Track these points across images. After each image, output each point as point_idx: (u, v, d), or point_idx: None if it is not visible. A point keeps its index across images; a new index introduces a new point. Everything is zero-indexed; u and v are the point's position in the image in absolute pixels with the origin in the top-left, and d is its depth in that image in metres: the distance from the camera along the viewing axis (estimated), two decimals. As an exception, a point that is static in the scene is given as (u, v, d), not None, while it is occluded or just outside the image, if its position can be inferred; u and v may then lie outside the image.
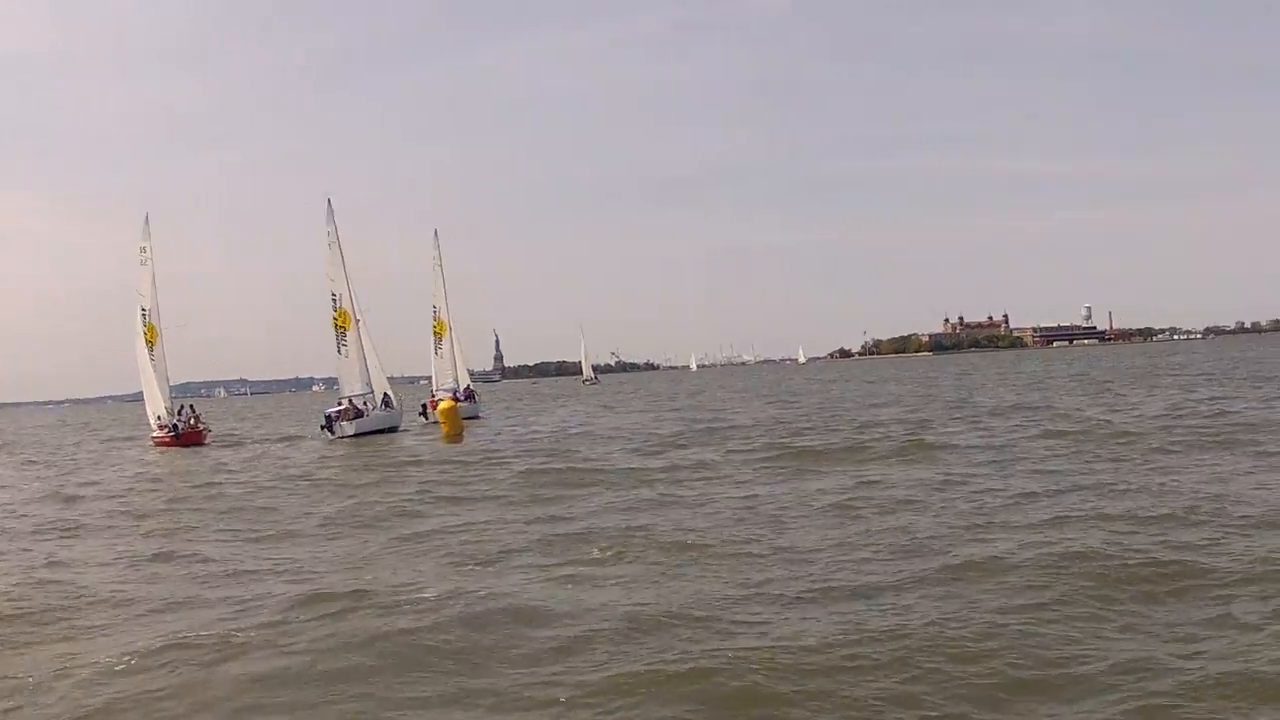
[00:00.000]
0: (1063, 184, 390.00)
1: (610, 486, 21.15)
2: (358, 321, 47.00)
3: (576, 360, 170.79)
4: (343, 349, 46.99)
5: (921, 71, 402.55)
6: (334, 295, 47.16)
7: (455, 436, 39.15)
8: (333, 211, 47.33)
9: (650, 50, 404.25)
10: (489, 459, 29.87)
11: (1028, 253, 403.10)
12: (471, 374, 64.05)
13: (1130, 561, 11.33)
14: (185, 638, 10.22)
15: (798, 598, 10.73)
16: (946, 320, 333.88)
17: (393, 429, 46.37)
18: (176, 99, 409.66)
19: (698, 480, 21.59)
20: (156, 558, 15.54)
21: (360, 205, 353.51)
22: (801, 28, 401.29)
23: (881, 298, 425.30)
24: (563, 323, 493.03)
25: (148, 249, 48.04)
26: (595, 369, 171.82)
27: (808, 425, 36.13)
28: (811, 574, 11.79)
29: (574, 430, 42.56)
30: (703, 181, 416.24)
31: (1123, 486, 16.84)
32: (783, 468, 23.09)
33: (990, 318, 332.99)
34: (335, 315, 47.07)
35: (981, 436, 28.16)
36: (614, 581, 11.97)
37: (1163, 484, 16.99)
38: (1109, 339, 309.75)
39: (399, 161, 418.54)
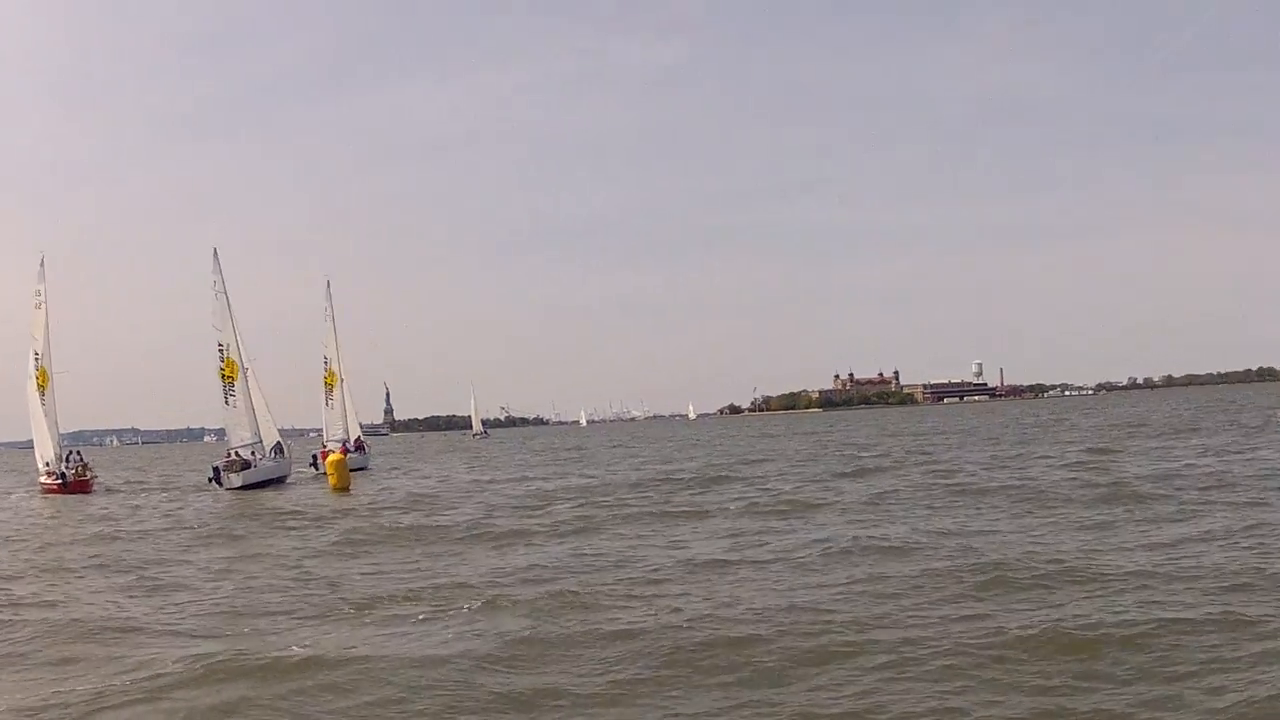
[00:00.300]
0: (958, 234, 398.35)
1: (473, 542, 21.50)
2: (245, 371, 46.75)
3: (466, 414, 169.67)
4: (230, 399, 46.61)
5: (817, 121, 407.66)
6: (221, 345, 46.79)
7: (342, 488, 39.77)
8: (219, 261, 47.14)
9: (545, 97, 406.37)
10: (373, 510, 30.27)
11: (918, 308, 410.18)
12: (361, 426, 63.98)
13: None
14: (60, 693, 10.22)
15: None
16: (837, 377, 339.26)
17: (282, 479, 46.15)
18: (60, 142, 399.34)
19: (569, 533, 22.19)
20: (31, 605, 15.50)
21: (252, 251, 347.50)
22: (698, 79, 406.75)
23: (773, 354, 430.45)
24: (454, 376, 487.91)
25: (42, 292, 47.27)
26: (485, 423, 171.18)
27: (684, 479, 37.06)
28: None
29: (454, 483, 42.97)
30: (594, 232, 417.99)
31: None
32: (651, 524, 23.43)
33: (881, 374, 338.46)
34: (222, 365, 46.66)
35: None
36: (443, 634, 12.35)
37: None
38: (1000, 395, 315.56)
39: (290, 208, 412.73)
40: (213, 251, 47.30)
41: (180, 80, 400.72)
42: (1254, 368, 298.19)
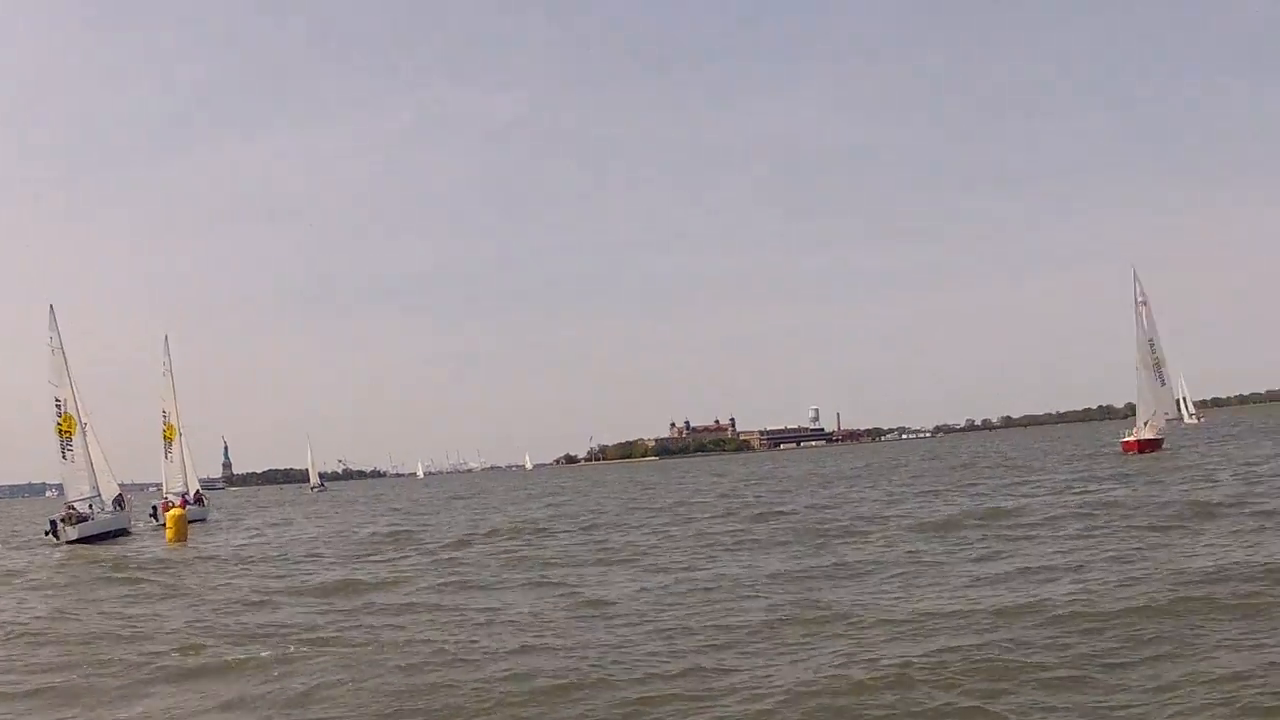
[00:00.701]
0: (793, 281, 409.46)
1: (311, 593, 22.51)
2: (84, 425, 47.20)
3: (304, 468, 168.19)
4: (68, 454, 46.89)
5: (651, 174, 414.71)
6: (58, 400, 47.12)
7: (179, 540, 41.76)
8: (55, 317, 47.54)
9: (383, 151, 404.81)
10: (204, 561, 32.08)
11: (754, 354, 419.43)
12: (200, 480, 64.49)
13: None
14: None
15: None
16: (673, 425, 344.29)
17: (122, 532, 46.78)
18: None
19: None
20: None
21: (90, 307, 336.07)
22: (535, 132, 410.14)
23: (609, 403, 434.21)
24: (292, 430, 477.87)
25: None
26: (322, 476, 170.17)
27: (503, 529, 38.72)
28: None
29: (283, 537, 44.23)
30: (430, 285, 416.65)
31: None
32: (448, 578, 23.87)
33: (717, 421, 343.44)
34: (59, 420, 46.94)
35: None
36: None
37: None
38: (836, 440, 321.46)
39: (129, 262, 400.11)
40: (49, 309, 47.69)
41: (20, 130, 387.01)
42: (1093, 406, 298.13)
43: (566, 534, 34.15)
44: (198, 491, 59.74)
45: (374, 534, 40.78)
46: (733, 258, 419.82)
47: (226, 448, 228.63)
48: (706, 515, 37.81)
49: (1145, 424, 61.85)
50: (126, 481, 55.43)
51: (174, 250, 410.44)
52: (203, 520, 55.61)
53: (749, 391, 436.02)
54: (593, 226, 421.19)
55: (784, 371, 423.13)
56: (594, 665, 12.92)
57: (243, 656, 14.76)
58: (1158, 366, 62.76)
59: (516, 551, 28.65)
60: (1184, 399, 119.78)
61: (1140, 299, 62.71)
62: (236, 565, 30.34)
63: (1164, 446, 60.14)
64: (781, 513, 36.01)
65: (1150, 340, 62.57)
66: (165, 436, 58.85)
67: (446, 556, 28.76)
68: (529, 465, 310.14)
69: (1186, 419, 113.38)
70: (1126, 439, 62.39)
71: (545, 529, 36.90)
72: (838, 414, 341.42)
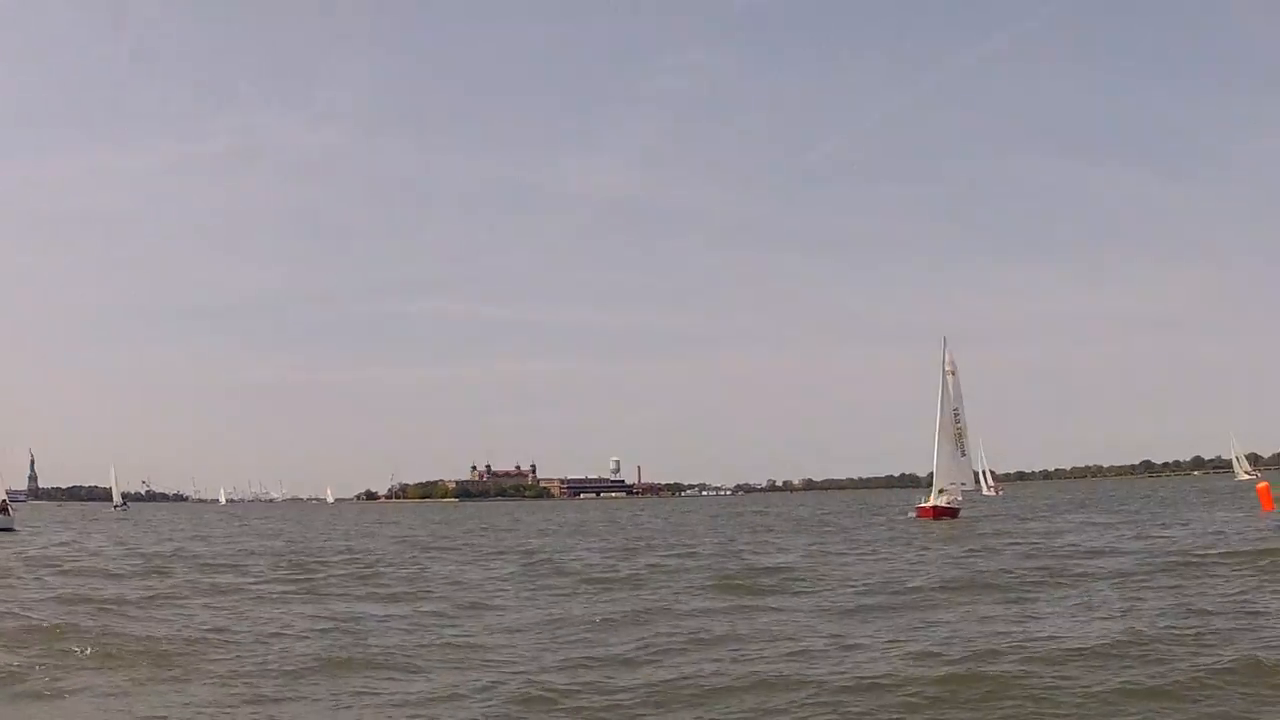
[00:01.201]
0: (600, 335, 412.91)
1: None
2: None
3: (108, 486, 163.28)
4: None
5: (454, 213, 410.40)
6: None
7: None
8: None
9: (201, 175, 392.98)
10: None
11: (558, 401, 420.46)
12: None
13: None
14: None
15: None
16: (474, 468, 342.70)
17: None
18: None
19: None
20: None
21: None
22: (345, 166, 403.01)
23: (411, 442, 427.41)
24: (97, 448, 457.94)
25: None
26: (126, 496, 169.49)
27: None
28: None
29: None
30: (239, 314, 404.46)
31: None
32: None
33: (518, 467, 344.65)
34: None
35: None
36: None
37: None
38: (637, 492, 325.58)
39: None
40: None
41: None
42: (895, 474, 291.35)
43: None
44: (3, 501, 58.05)
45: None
46: (536, 307, 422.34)
47: (33, 459, 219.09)
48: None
49: (940, 492, 63.45)
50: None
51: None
52: (9, 530, 56.06)
53: (551, 440, 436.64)
54: (404, 263, 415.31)
55: (587, 422, 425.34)
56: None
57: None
58: (959, 437, 64.66)
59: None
60: (984, 471, 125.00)
61: (949, 367, 64.82)
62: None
63: (959, 515, 61.98)
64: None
65: (955, 410, 64.55)
66: (-32, 447, 56.74)
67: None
68: (330, 499, 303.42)
69: (985, 490, 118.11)
70: (922, 505, 64.13)
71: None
72: (638, 467, 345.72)
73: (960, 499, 64.91)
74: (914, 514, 64.27)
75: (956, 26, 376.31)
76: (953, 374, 65.01)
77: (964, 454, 65.76)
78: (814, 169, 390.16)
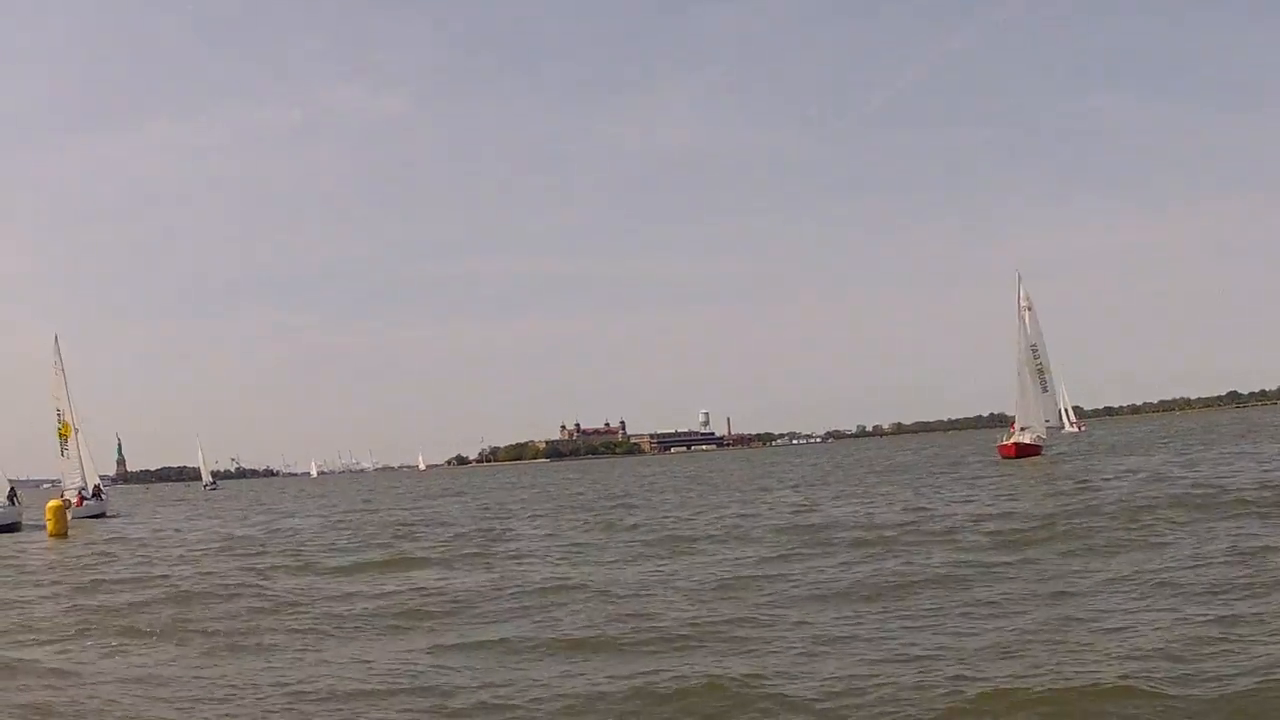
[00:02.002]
0: (684, 287, 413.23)
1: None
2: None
3: (197, 465, 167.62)
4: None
5: (548, 171, 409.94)
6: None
7: (60, 534, 41.19)
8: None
9: (268, 148, 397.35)
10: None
11: (644, 356, 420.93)
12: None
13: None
14: None
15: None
16: (563, 427, 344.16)
17: (14, 526, 46.40)
18: None
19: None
20: None
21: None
22: (420, 128, 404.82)
23: (501, 404, 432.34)
24: (186, 427, 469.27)
25: None
26: (216, 474, 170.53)
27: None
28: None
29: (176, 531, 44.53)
30: (321, 283, 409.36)
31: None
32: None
33: (607, 424, 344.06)
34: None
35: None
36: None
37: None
38: (727, 444, 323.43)
39: (15, 260, 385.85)
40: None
41: None
42: (984, 414, 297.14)
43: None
44: (96, 486, 59.38)
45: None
46: (614, 260, 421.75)
47: (120, 445, 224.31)
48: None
49: (1023, 429, 62.90)
50: (20, 477, 55.01)
51: (56, 246, 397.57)
52: (102, 515, 55.98)
53: (639, 395, 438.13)
54: (473, 225, 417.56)
55: (674, 375, 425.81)
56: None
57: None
58: (1040, 373, 64.55)
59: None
60: (1066, 408, 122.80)
61: (1024, 304, 64.23)
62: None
63: (1042, 453, 61.79)
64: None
65: (1034, 346, 64.23)
66: (60, 434, 58.05)
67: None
68: (422, 466, 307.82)
69: (1067, 427, 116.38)
70: (1003, 443, 63.41)
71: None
72: (728, 418, 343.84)
73: (1044, 436, 64.55)
74: (997, 454, 63.80)
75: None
76: (1029, 310, 64.67)
77: (1046, 390, 65.37)
78: (873, 116, 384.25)
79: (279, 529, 41.31)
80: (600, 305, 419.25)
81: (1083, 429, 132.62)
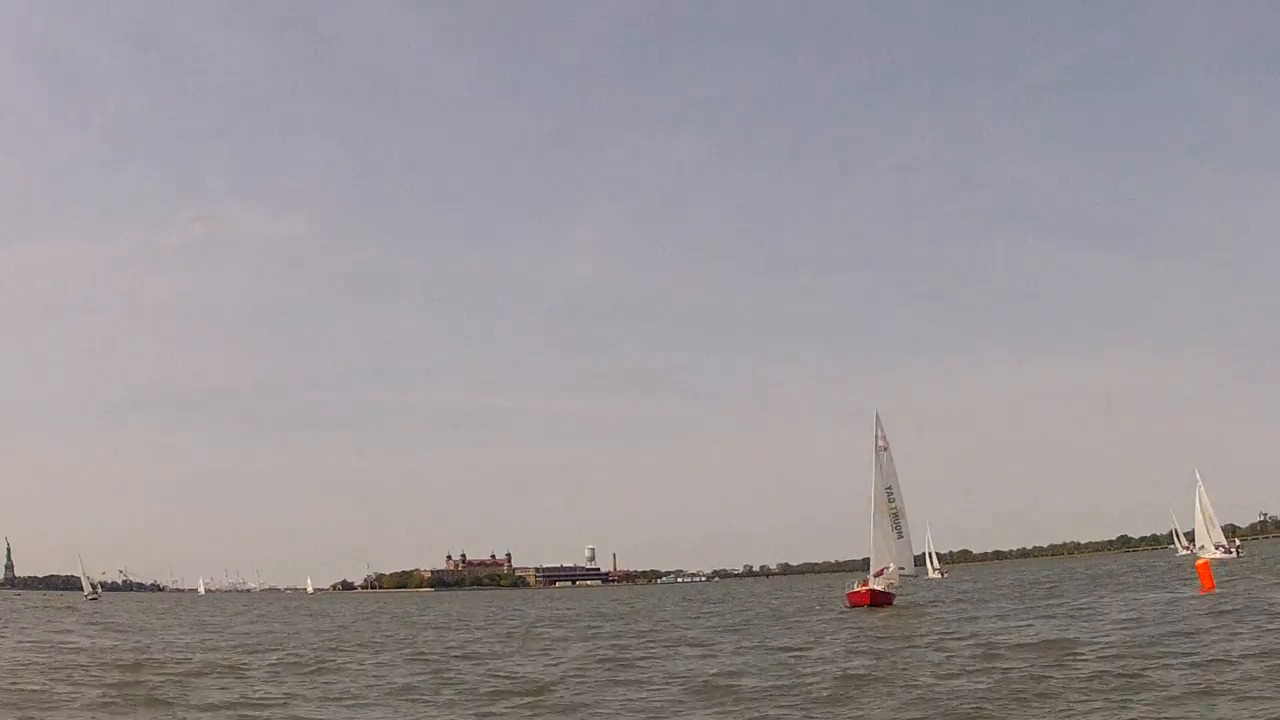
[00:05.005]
0: (571, 423, 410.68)
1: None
2: None
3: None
4: None
5: (421, 302, 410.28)
6: None
7: None
8: None
9: (166, 264, 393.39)
10: None
11: (531, 492, 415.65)
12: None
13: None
14: None
15: None
16: (449, 557, 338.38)
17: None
18: None
19: None
20: None
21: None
22: (312, 255, 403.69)
23: (386, 532, 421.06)
24: (72, 539, 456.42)
25: None
26: (100, 586, 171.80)
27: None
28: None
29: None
30: (212, 403, 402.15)
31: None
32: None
33: (494, 556, 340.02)
34: None
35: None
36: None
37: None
38: (613, 580, 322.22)
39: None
40: None
41: None
42: (859, 558, 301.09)
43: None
44: None
45: None
46: (509, 395, 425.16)
47: (9, 549, 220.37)
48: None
49: (876, 575, 59.36)
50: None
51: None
52: None
53: (526, 529, 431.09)
54: (365, 355, 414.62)
55: (562, 509, 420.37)
56: None
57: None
58: (895, 517, 61.26)
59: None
60: (931, 552, 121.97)
61: (881, 444, 61.17)
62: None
63: (894, 602, 58.06)
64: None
65: (888, 488, 60.76)
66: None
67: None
68: (310, 589, 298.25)
69: (930, 573, 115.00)
70: (854, 589, 60.07)
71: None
72: (614, 555, 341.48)
73: (897, 583, 60.91)
74: (846, 601, 60.21)
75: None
76: (885, 450, 61.52)
77: (901, 536, 61.79)
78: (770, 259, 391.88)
79: None
80: (487, 439, 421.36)
81: (945, 575, 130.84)
